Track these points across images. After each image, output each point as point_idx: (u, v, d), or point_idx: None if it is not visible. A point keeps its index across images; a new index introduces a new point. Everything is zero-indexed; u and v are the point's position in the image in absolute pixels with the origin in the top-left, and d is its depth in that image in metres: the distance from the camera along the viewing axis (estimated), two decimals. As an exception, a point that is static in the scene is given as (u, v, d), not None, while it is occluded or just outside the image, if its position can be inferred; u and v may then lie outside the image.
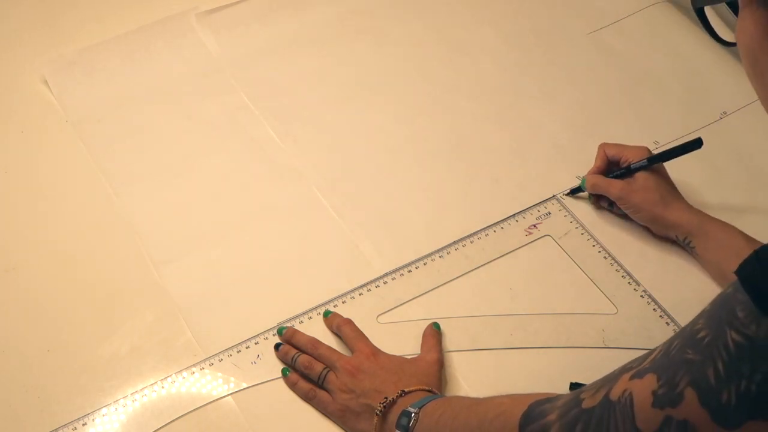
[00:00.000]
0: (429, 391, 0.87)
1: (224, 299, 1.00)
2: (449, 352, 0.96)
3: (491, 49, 1.29)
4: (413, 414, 0.83)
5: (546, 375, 0.94)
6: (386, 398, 0.86)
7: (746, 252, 0.96)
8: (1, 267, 1.02)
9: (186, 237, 1.05)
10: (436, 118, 1.20)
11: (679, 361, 0.61)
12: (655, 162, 1.05)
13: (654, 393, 0.62)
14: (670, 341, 0.63)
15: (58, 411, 0.90)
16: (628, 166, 1.05)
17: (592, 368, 0.94)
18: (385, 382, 0.88)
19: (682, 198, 1.04)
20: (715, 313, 0.60)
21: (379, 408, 0.85)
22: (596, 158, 1.08)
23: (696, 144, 1.06)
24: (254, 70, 1.25)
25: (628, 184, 1.04)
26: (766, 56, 0.64)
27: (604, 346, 0.96)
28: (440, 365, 0.92)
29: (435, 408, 0.83)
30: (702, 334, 0.60)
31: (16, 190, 1.11)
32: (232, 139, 1.16)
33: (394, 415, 0.85)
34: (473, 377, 0.94)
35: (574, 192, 1.11)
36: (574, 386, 0.91)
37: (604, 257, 1.04)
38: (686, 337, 0.62)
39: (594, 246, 1.06)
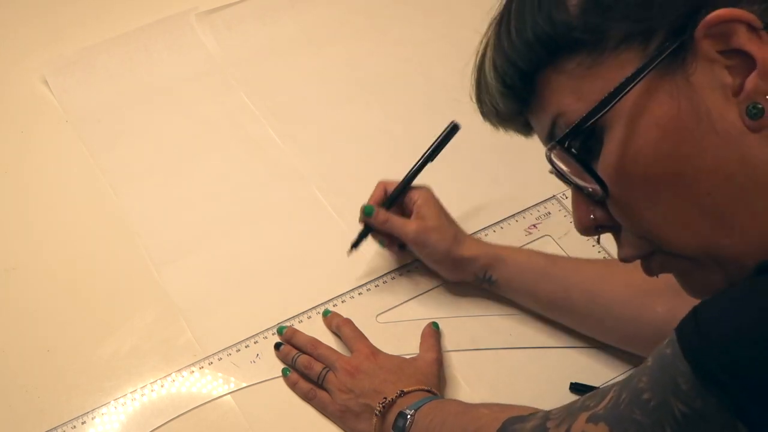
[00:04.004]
0: (428, 391, 0.87)
1: (224, 299, 1.00)
2: (449, 352, 0.96)
3: (491, 49, 1.29)
4: (409, 416, 0.83)
5: (546, 375, 0.94)
6: (385, 398, 0.86)
7: (551, 271, 0.95)
8: (1, 267, 1.02)
9: (186, 237, 1.06)
10: (436, 118, 1.20)
11: (629, 419, 0.59)
12: (427, 162, 0.99)
13: None
14: (619, 392, 0.61)
15: (58, 410, 0.90)
16: (405, 181, 0.99)
17: (591, 368, 0.94)
18: (384, 382, 0.88)
19: (466, 233, 1.00)
20: (657, 376, 0.57)
21: (379, 408, 0.85)
22: (373, 194, 1.00)
23: (454, 130, 1.00)
24: (254, 70, 1.25)
25: (423, 222, 0.97)
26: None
27: (603, 346, 0.96)
28: (439, 365, 0.92)
29: (429, 411, 0.83)
30: (647, 396, 0.57)
31: (16, 190, 1.11)
32: (232, 139, 1.17)
33: (393, 416, 0.85)
34: (473, 377, 0.94)
35: (358, 243, 0.99)
36: (574, 386, 0.92)
37: (604, 257, 1.04)
38: (632, 393, 0.59)
39: (594, 246, 1.05)
